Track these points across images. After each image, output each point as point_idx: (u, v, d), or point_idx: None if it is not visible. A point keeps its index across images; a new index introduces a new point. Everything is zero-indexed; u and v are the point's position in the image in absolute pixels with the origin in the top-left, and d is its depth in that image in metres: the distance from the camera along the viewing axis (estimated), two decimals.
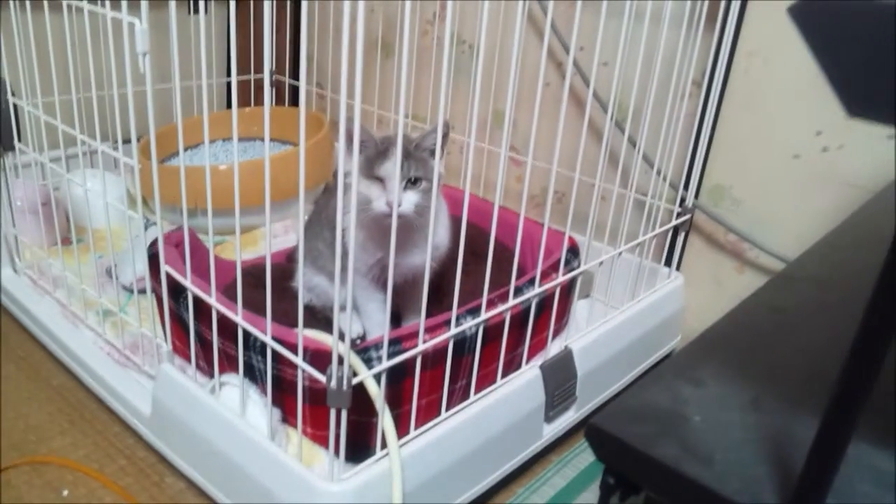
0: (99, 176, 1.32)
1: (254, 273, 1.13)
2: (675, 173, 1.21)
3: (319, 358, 0.80)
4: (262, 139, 1.69)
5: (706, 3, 1.11)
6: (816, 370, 0.46)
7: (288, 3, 1.76)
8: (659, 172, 1.19)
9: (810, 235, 1.15)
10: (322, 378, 0.74)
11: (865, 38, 0.30)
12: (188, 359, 0.98)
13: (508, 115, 0.81)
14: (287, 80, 1.79)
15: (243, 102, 1.79)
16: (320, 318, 1.10)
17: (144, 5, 0.80)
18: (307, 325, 0.80)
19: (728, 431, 0.42)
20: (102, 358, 1.08)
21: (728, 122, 1.20)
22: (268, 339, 0.80)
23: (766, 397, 0.44)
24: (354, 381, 0.76)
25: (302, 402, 0.85)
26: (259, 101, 1.82)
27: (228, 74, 1.87)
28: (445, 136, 0.91)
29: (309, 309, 1.09)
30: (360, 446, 0.84)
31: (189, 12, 1.53)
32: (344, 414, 0.76)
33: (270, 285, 0.77)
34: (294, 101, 1.82)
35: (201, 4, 0.77)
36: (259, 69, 1.71)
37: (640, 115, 1.08)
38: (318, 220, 1.11)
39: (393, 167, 0.86)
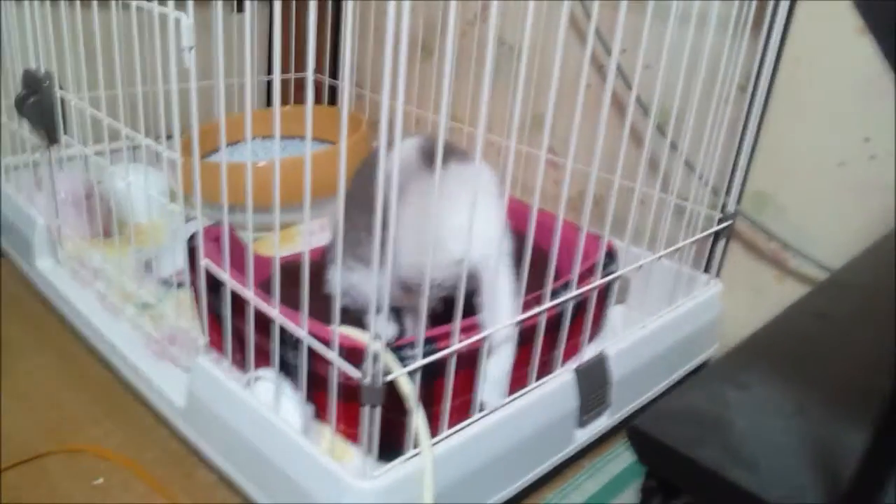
0: (141, 170, 1.34)
1: (289, 270, 1.13)
2: (717, 179, 1.19)
3: (353, 355, 0.79)
4: (301, 138, 1.71)
5: (753, 5, 1.09)
6: (863, 378, 0.45)
7: (329, 2, 1.77)
8: (701, 177, 1.17)
9: (855, 245, 1.12)
10: (356, 374, 0.74)
11: None
12: (223, 353, 0.99)
13: (549, 117, 0.80)
14: (326, 79, 1.80)
15: (283, 101, 1.80)
16: (355, 319, 1.09)
17: (190, 3, 0.81)
18: (343, 324, 0.80)
19: (773, 437, 0.41)
20: (139, 349, 1.10)
21: (772, 128, 1.18)
22: (303, 335, 0.81)
23: (812, 404, 0.43)
24: (387, 378, 0.75)
25: (336, 399, 0.85)
26: (298, 101, 1.83)
27: (269, 73, 1.89)
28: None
29: (344, 310, 1.09)
30: (391, 445, 0.84)
31: (233, 10, 1.55)
32: (377, 411, 0.76)
33: (307, 281, 0.78)
34: (333, 101, 1.83)
35: (247, 3, 0.78)
36: (299, 68, 1.72)
37: (682, 119, 1.07)
38: (354, 207, 1.10)
39: None
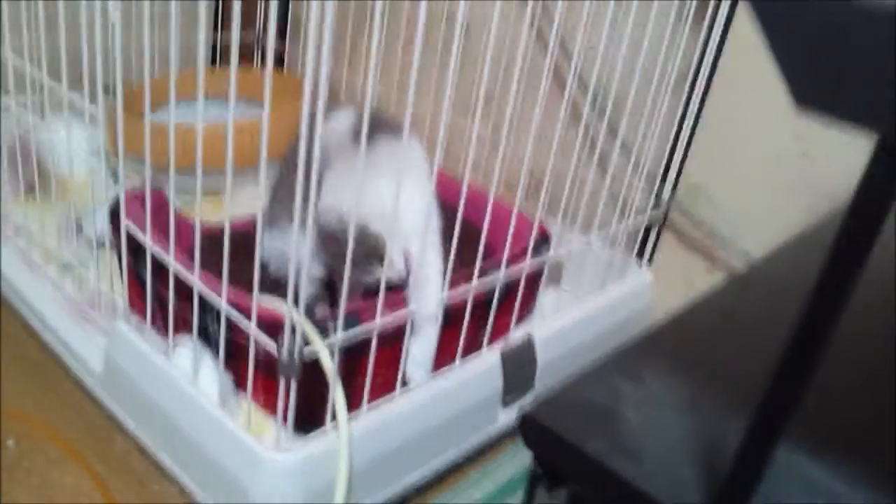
0: (77, 125, 1.28)
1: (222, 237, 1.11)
2: (653, 168, 1.20)
3: (274, 327, 0.78)
4: (249, 100, 1.67)
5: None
6: (757, 376, 0.46)
7: None
8: (636, 165, 1.18)
9: (783, 240, 1.15)
10: (273, 347, 0.73)
11: (822, 30, 0.29)
12: (145, 318, 0.97)
13: (479, 96, 0.79)
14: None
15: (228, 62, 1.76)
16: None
17: None
18: (276, 294, 0.78)
19: (662, 430, 0.41)
20: (59, 311, 1.06)
21: (711, 120, 1.19)
22: (222, 304, 0.79)
23: (705, 399, 0.44)
24: (306, 351, 0.75)
25: (255, 370, 0.84)
26: (247, 62, 1.79)
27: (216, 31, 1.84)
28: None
29: (279, 281, 1.08)
30: (313, 418, 0.83)
31: None
32: (294, 385, 0.75)
33: (228, 247, 0.76)
34: (280, 64, 1.79)
35: None
36: (245, 28, 1.68)
37: (622, 105, 1.07)
38: (292, 173, 1.08)
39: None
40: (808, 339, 0.31)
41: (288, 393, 0.75)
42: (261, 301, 0.81)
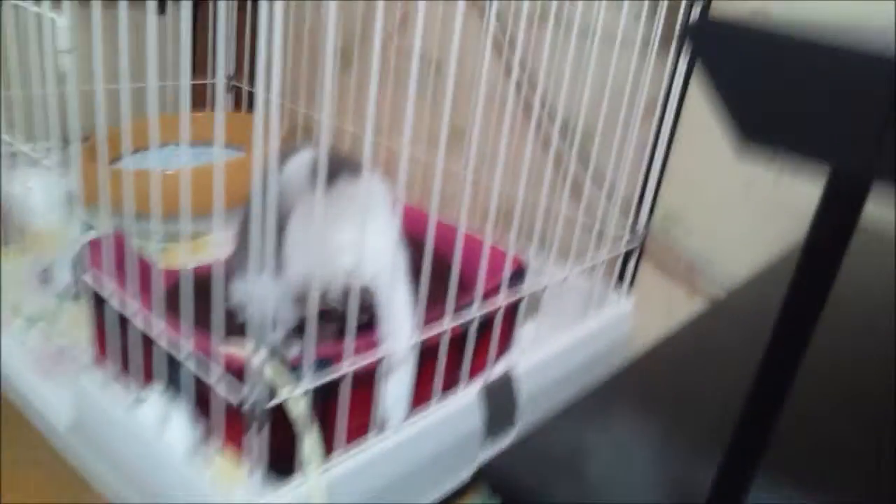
0: (43, 176, 1.27)
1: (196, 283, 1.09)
2: (628, 198, 1.20)
3: (242, 373, 0.76)
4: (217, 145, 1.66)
5: (660, 26, 1.10)
6: (729, 413, 0.44)
7: (249, 4, 1.73)
8: (610, 196, 1.17)
9: (760, 265, 1.14)
10: (238, 397, 0.71)
11: (762, 65, 0.28)
12: (113, 370, 0.94)
13: (444, 128, 0.78)
14: (244, 86, 1.76)
15: (201, 107, 1.75)
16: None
17: (67, 3, 0.76)
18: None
19: (628, 477, 0.39)
20: (26, 365, 1.03)
21: (682, 148, 1.19)
22: (185, 354, 0.77)
23: (676, 441, 0.42)
24: (272, 403, 0.72)
25: (226, 418, 0.81)
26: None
27: (194, 77, 1.84)
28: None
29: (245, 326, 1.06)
30: (288, 464, 0.80)
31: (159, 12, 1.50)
32: (264, 434, 0.72)
33: (191, 296, 0.74)
34: (251, 109, 1.78)
35: (151, 4, 0.73)
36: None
37: (592, 136, 1.07)
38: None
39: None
40: (773, 377, 0.30)
41: (256, 444, 0.72)
42: (227, 347, 0.79)
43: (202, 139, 1.78)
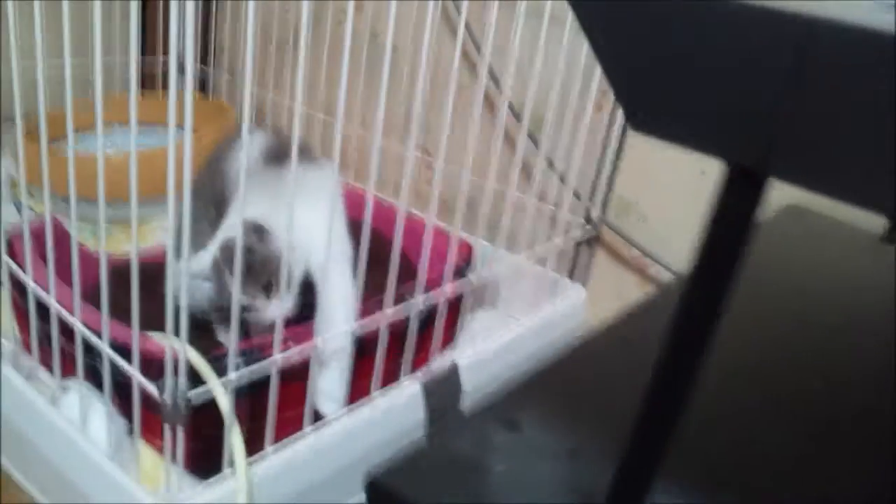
0: None
1: (126, 271, 1.05)
2: (582, 185, 1.17)
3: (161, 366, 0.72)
4: (165, 126, 1.61)
5: None
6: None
7: None
8: (563, 181, 1.15)
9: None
10: (154, 391, 0.67)
11: (656, 34, 0.25)
12: (40, 360, 0.90)
13: (379, 110, 0.75)
14: (196, 65, 1.70)
15: (153, 87, 1.69)
16: (202, 324, 1.01)
17: None
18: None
19: (533, 484, 0.37)
20: None
21: (637, 136, 1.16)
22: (103, 345, 0.73)
23: (588, 447, 0.39)
24: (193, 394, 0.69)
25: (147, 412, 0.77)
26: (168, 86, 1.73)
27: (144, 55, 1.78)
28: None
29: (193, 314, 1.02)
30: (215, 459, 0.77)
31: None
32: (185, 428, 0.69)
33: (105, 281, 0.70)
34: (204, 88, 1.73)
35: None
36: (166, 53, 1.62)
37: (548, 122, 1.04)
38: (200, 199, 1.03)
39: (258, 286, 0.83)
40: (669, 381, 0.27)
41: (175, 442, 0.69)
42: (148, 338, 0.76)
43: (153, 121, 1.73)
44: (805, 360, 0.52)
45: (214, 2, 1.70)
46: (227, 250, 0.84)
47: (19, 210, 1.28)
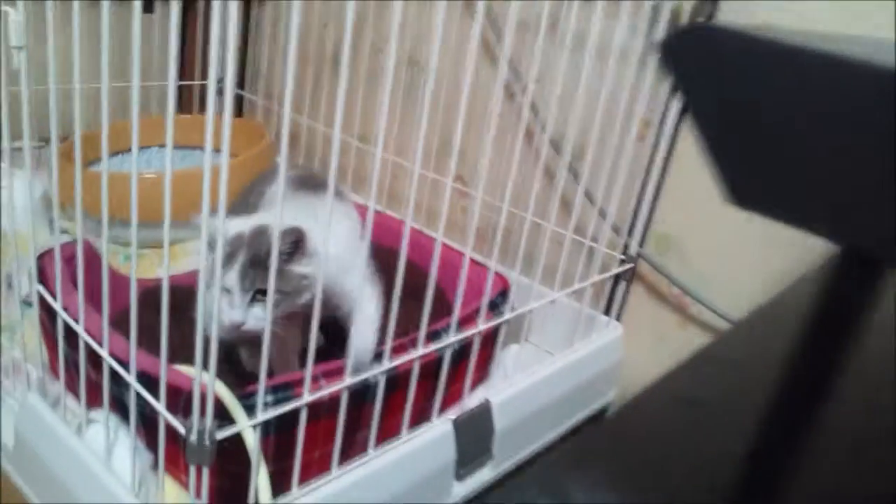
0: (20, 176, 1.22)
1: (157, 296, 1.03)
2: (621, 219, 1.14)
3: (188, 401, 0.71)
4: (202, 149, 1.61)
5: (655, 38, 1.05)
6: (719, 486, 0.38)
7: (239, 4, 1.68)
8: (602, 215, 1.12)
9: (757, 297, 1.08)
10: (181, 429, 0.65)
11: (762, 90, 0.22)
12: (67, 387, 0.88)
13: (418, 140, 0.73)
14: (233, 89, 1.71)
15: (189, 110, 1.70)
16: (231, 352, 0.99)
17: None
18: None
19: None
20: None
21: (679, 169, 1.13)
22: (131, 378, 0.71)
23: None
24: (222, 434, 0.67)
25: (174, 446, 0.75)
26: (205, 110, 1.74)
27: (181, 79, 1.79)
28: (297, 242, 0.81)
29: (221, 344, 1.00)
30: (241, 498, 0.75)
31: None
32: (210, 467, 0.67)
33: (136, 311, 0.68)
34: (240, 112, 1.73)
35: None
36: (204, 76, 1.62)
37: (588, 153, 1.01)
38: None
39: (237, 277, 0.78)
40: (765, 470, 0.24)
41: (200, 483, 0.67)
42: (177, 372, 0.74)
43: (189, 143, 1.73)
44: None
45: (253, 25, 1.70)
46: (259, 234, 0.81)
47: (53, 229, 1.28)
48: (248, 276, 0.78)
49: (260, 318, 0.78)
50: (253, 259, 0.79)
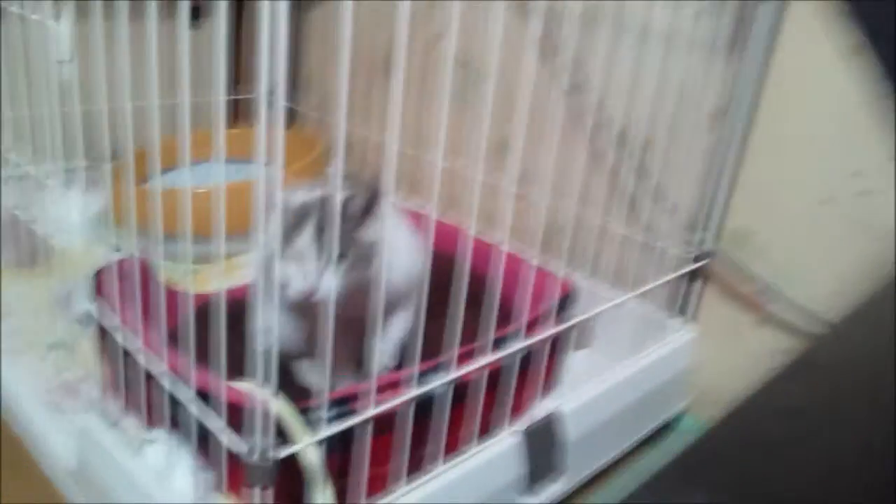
0: (73, 197, 1.23)
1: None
2: (693, 214, 1.08)
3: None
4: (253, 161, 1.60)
5: (725, 24, 0.98)
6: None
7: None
8: (671, 213, 1.06)
9: (843, 290, 1.01)
10: (241, 448, 0.62)
11: None
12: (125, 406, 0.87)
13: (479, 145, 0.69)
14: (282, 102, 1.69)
15: (247, 121, 1.69)
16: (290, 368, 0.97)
17: (70, 4, 0.70)
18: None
19: None
20: (33, 398, 0.97)
21: (754, 160, 1.06)
22: (189, 396, 0.69)
23: None
24: (284, 453, 0.63)
25: (235, 465, 0.73)
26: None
27: (233, 92, 1.78)
28: (374, 198, 0.78)
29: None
30: None
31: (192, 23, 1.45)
32: (269, 492, 0.64)
33: (192, 329, 0.66)
34: (291, 124, 1.72)
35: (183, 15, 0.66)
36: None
37: (652, 148, 0.96)
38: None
39: (309, 240, 0.75)
40: None
41: (260, 498, 0.63)
42: (236, 391, 0.71)
43: (239, 156, 1.72)
44: None
45: (302, 37, 1.69)
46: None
47: (111, 247, 1.28)
48: (321, 240, 0.76)
49: (331, 286, 0.76)
50: (325, 223, 0.76)
